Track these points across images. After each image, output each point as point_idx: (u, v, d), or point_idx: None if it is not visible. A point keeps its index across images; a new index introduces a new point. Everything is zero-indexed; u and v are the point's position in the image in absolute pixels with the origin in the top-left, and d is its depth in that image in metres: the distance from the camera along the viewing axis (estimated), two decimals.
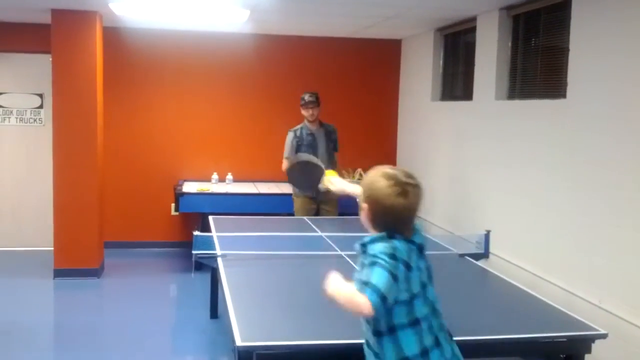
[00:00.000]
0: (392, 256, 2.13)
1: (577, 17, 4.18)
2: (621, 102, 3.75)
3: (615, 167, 3.78)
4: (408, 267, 2.15)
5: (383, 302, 2.06)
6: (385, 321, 2.20)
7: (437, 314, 2.29)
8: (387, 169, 2.25)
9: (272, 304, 3.29)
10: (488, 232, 4.52)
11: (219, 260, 3.99)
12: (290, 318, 3.08)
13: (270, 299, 3.36)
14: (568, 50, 4.25)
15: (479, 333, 2.90)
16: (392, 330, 2.20)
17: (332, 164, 5.96)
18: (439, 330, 2.27)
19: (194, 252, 4.10)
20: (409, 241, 2.22)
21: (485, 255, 4.49)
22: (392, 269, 2.10)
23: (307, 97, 5.91)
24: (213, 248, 4.25)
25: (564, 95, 4.29)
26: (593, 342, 2.98)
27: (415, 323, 2.20)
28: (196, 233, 4.25)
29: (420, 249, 2.26)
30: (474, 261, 4.33)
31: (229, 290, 3.37)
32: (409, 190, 2.18)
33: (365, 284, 2.07)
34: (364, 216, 2.28)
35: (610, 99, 3.84)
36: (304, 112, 5.93)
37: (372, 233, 2.27)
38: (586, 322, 3.10)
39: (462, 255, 4.38)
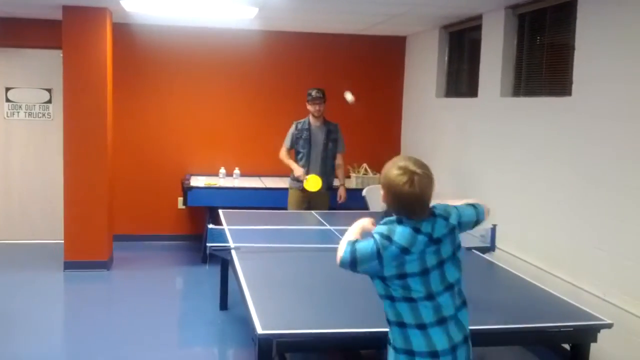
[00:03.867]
0: (387, 237, 2.36)
1: (583, 16, 4.26)
2: (626, 100, 3.83)
3: (619, 163, 3.87)
4: (405, 250, 2.34)
5: (352, 264, 2.39)
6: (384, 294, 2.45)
7: (445, 296, 2.41)
8: (400, 158, 2.45)
9: (288, 294, 3.38)
10: (494, 226, 4.59)
11: (233, 252, 4.08)
12: (307, 307, 3.17)
13: (286, 290, 3.45)
14: (574, 48, 4.32)
15: (488, 323, 3.00)
16: (391, 299, 2.42)
17: (327, 161, 6.07)
18: (446, 311, 2.42)
19: (208, 244, 4.18)
20: (416, 229, 2.37)
21: (491, 248, 4.56)
22: (379, 246, 2.35)
23: (314, 92, 5.99)
24: (225, 241, 4.34)
25: (569, 93, 4.37)
26: (599, 331, 3.08)
27: (410, 300, 2.38)
28: (210, 226, 4.34)
29: (431, 238, 2.39)
30: (481, 254, 4.42)
31: (246, 281, 3.46)
32: (414, 179, 2.35)
33: (353, 243, 2.41)
34: (382, 200, 2.50)
35: (615, 97, 3.93)
36: (309, 107, 6.02)
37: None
38: (592, 312, 3.20)
39: (468, 249, 4.46)
